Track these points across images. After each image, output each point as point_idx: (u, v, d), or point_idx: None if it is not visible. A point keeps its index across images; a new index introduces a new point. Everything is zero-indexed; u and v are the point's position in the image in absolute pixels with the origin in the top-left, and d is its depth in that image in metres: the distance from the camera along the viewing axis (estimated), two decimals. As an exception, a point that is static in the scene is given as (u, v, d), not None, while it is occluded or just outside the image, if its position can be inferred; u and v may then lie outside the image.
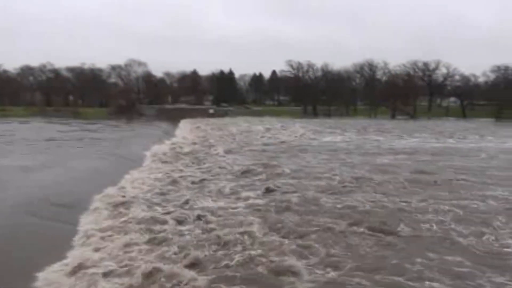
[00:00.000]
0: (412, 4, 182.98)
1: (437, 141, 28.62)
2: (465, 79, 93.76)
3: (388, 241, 7.57)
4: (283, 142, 27.20)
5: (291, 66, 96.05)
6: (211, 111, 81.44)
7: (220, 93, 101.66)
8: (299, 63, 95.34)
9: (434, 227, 8.26)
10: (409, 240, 7.55)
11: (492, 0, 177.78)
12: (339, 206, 9.87)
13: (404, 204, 9.94)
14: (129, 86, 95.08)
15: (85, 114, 71.36)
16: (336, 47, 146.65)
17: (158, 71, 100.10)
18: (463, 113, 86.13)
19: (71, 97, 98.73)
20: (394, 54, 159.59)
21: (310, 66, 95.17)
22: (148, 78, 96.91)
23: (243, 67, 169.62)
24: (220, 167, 15.72)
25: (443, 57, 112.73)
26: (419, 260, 6.59)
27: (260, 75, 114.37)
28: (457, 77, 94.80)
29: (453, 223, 8.49)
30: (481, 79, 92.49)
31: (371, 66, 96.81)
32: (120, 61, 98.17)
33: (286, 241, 7.50)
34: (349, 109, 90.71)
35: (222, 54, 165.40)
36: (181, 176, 13.88)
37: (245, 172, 14.61)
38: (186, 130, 39.53)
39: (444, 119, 78.36)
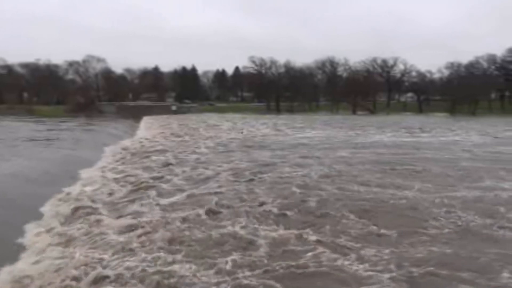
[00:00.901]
0: (367, 4, 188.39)
1: (411, 136, 29.57)
2: (421, 75, 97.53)
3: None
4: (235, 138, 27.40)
5: (254, 62, 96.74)
6: (173, 108, 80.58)
7: (183, 90, 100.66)
8: (262, 60, 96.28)
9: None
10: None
11: (440, 1, 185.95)
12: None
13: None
14: (88, 83, 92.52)
15: (41, 112, 68.79)
16: (295, 45, 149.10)
17: (118, 68, 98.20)
18: (419, 108, 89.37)
19: (25, 95, 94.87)
20: (352, 52, 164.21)
21: (273, 62, 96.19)
22: (107, 74, 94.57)
23: (206, 64, 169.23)
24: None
25: (399, 55, 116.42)
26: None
27: (223, 72, 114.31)
28: (413, 74, 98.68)
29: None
30: (436, 76, 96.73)
31: (332, 63, 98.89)
32: (77, 57, 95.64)
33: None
34: (312, 105, 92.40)
35: (184, 51, 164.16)
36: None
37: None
38: (147, 128, 39.15)
39: (402, 114, 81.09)
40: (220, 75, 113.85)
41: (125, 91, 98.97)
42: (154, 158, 17.73)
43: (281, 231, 7.82)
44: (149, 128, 39.20)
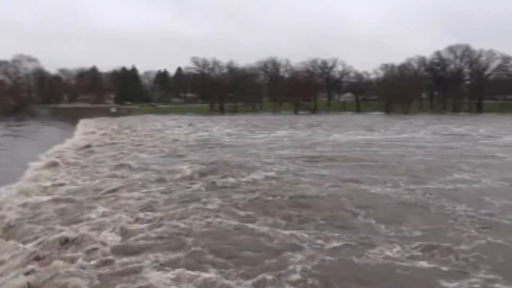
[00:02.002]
0: (302, 6, 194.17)
1: (368, 135, 30.72)
2: (359, 76, 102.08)
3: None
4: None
5: (196, 63, 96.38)
6: (113, 110, 78.18)
7: (123, 91, 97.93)
8: (205, 60, 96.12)
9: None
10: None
11: (373, 3, 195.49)
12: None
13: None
14: (18, 84, 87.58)
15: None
16: (236, 46, 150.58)
17: (52, 68, 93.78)
18: (358, 108, 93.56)
19: None
20: (293, 53, 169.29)
21: (215, 63, 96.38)
22: (40, 75, 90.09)
23: (147, 64, 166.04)
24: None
25: (337, 56, 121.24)
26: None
27: (165, 72, 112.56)
28: (352, 74, 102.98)
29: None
30: (372, 76, 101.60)
31: (274, 64, 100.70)
32: (6, 57, 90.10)
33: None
34: (255, 106, 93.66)
35: (123, 51, 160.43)
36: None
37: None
38: (83, 132, 37.83)
39: (342, 113, 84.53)
40: (162, 76, 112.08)
41: (60, 93, 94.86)
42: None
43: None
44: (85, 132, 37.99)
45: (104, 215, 9.14)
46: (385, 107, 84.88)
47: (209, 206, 9.46)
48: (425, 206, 9.61)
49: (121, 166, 15.81)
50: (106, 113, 73.08)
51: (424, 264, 6.41)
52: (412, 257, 6.65)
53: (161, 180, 12.82)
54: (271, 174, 13.34)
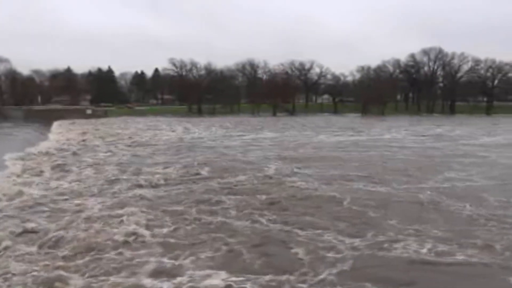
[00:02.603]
0: (279, 10, 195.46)
1: (353, 136, 31.27)
2: (336, 78, 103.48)
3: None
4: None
5: (174, 64, 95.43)
6: (88, 111, 76.56)
7: (99, 92, 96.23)
8: (182, 62, 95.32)
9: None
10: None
11: (349, 6, 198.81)
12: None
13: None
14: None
15: None
16: (212, 48, 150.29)
17: (24, 69, 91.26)
18: (335, 109, 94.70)
19: None
20: (271, 56, 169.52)
21: (193, 64, 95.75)
22: (12, 76, 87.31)
23: (123, 66, 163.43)
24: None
25: (314, 58, 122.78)
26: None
27: (142, 74, 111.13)
28: (329, 76, 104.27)
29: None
30: (349, 78, 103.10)
31: (252, 65, 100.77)
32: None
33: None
34: (233, 107, 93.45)
35: (99, 52, 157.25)
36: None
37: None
38: (57, 134, 36.80)
39: (319, 115, 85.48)
40: (138, 77, 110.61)
41: (34, 94, 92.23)
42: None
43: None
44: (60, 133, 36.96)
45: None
46: (362, 108, 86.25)
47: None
48: (434, 205, 9.89)
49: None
50: (81, 114, 71.64)
51: (466, 259, 6.60)
52: (448, 253, 6.82)
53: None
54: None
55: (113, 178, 13.66)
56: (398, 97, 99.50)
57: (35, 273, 6.13)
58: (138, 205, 9.73)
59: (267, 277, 6.04)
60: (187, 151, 20.61)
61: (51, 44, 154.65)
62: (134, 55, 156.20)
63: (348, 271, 6.19)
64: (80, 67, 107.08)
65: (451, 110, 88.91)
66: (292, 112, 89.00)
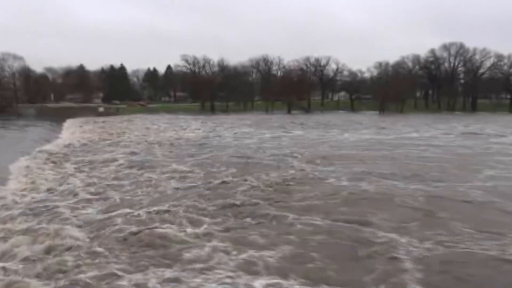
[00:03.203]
0: (293, 4, 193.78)
1: (377, 134, 30.01)
2: (353, 74, 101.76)
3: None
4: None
5: (187, 61, 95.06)
6: (100, 109, 76.63)
7: (111, 90, 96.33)
8: (195, 58, 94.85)
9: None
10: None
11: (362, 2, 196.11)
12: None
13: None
14: (3, 83, 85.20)
15: None
16: (224, 43, 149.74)
17: (38, 66, 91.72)
18: (352, 106, 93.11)
19: None
20: (284, 52, 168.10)
21: (206, 61, 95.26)
22: (26, 74, 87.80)
23: (135, 63, 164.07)
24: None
25: (328, 54, 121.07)
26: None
27: (155, 70, 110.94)
28: (345, 73, 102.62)
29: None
30: (366, 75, 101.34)
31: (266, 61, 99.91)
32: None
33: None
34: (247, 105, 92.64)
35: (111, 49, 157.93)
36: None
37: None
38: (70, 135, 36.07)
39: (336, 112, 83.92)
40: (151, 74, 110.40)
41: (47, 92, 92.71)
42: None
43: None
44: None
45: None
46: (379, 106, 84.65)
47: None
48: (490, 204, 9.53)
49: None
50: (94, 112, 71.57)
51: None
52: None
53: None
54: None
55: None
56: (418, 94, 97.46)
57: None
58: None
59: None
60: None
61: (64, 42, 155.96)
62: (146, 51, 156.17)
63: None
64: (93, 64, 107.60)
65: (473, 108, 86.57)
66: (307, 109, 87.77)
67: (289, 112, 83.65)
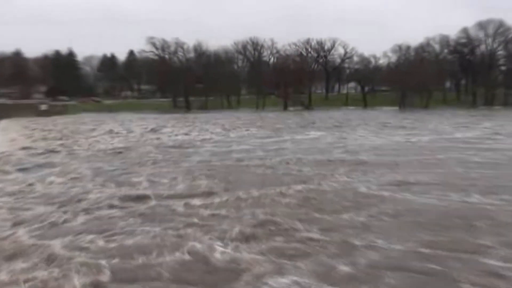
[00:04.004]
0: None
1: (415, 135, 30.12)
2: (365, 60, 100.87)
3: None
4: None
5: (154, 45, 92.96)
6: (43, 107, 74.80)
7: (57, 82, 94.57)
8: (165, 42, 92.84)
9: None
10: None
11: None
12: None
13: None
14: None
15: None
16: (203, 27, 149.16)
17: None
18: (364, 101, 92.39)
19: None
20: (278, 35, 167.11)
21: (179, 45, 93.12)
22: None
23: (88, 49, 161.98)
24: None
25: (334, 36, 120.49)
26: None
27: (113, 58, 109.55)
28: (355, 59, 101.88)
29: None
30: (382, 61, 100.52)
31: (256, 45, 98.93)
32: None
33: None
34: (231, 100, 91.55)
35: (57, 32, 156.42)
36: None
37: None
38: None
39: (343, 108, 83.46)
40: (108, 62, 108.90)
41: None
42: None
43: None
44: None
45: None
46: (399, 100, 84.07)
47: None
48: None
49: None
50: (34, 111, 69.84)
51: None
52: None
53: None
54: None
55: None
56: (447, 84, 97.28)
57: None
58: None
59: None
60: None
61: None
62: (102, 35, 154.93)
63: None
64: (34, 51, 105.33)
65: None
66: (308, 105, 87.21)
67: (285, 108, 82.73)
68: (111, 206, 10.95)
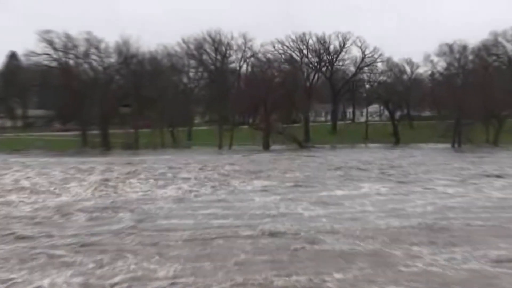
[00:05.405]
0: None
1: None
2: (395, 69, 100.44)
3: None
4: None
5: (51, 44, 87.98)
6: None
7: None
8: (68, 38, 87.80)
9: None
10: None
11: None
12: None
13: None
14: None
15: None
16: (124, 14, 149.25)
17: None
18: (395, 135, 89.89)
19: None
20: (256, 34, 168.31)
21: (92, 43, 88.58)
22: None
23: None
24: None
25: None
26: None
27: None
28: (379, 66, 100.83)
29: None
30: (423, 70, 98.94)
31: (218, 45, 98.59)
32: None
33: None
34: (177, 134, 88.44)
35: None
36: None
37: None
38: None
39: (358, 146, 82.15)
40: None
41: None
42: None
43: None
44: None
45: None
46: (454, 130, 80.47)
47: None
48: None
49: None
50: None
51: None
52: None
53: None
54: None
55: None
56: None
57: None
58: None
59: None
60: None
61: None
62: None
63: None
64: None
65: None
66: (304, 142, 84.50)
67: (266, 147, 78.27)
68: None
